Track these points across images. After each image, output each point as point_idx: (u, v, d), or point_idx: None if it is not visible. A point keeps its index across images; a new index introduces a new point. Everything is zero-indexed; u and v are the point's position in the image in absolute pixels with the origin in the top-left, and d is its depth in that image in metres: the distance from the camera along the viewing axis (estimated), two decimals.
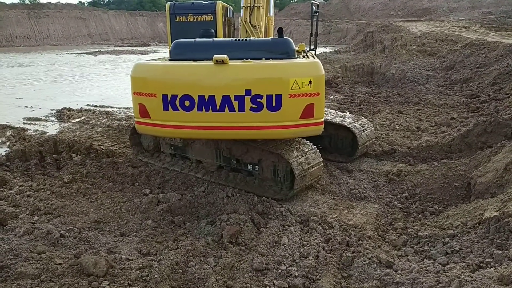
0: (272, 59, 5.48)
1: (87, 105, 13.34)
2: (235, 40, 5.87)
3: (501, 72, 12.91)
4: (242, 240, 4.82)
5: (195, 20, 7.10)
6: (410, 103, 12.46)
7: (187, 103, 5.27)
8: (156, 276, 4.13)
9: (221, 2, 7.58)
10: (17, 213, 5.47)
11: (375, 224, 5.19)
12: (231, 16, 8.09)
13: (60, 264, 4.30)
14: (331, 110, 8.44)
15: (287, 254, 4.54)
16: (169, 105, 5.34)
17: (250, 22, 7.54)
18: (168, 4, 7.27)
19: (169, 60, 5.89)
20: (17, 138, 9.29)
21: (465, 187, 5.59)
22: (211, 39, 5.89)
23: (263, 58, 5.48)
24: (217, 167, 6.86)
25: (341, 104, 12.79)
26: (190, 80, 5.32)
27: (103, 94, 15.67)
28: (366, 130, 7.66)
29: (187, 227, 5.41)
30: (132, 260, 4.51)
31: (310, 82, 5.17)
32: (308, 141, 6.40)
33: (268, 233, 4.95)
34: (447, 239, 4.32)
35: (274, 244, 4.77)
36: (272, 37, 6.49)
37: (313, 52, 7.89)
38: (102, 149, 8.28)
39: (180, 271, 4.24)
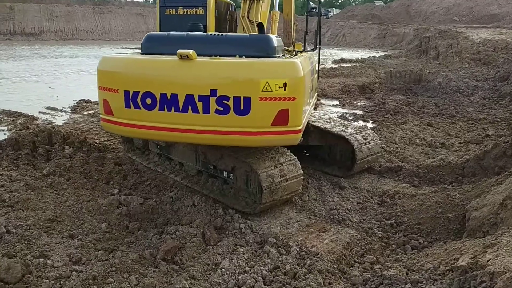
0: (248, 57, 4.90)
1: None
2: (210, 34, 5.35)
3: None
4: (179, 258, 4.28)
5: (185, 13, 6.63)
6: (444, 116, 11.19)
7: (148, 101, 4.80)
8: None
9: None
10: None
11: (341, 254, 4.42)
12: (233, 10, 7.53)
13: None
14: (335, 118, 7.65)
15: (221, 281, 3.93)
16: (130, 102, 4.89)
17: (248, 18, 6.96)
18: None
19: (141, 54, 5.51)
20: (22, 127, 9.42)
21: (460, 221, 4.62)
22: (184, 33, 5.42)
23: (237, 56, 4.92)
24: (197, 172, 6.40)
25: (366, 111, 11.82)
26: (153, 76, 4.85)
27: None
28: (368, 143, 6.79)
29: (138, 235, 4.98)
30: (57, 267, 4.15)
31: (285, 85, 4.54)
32: (289, 151, 5.73)
33: (212, 253, 4.37)
34: (408, 286, 3.49)
35: (214, 266, 4.18)
36: (252, 33, 5.87)
37: (311, 53, 7.16)
38: (96, 143, 8.10)
39: (95, 287, 3.80)
